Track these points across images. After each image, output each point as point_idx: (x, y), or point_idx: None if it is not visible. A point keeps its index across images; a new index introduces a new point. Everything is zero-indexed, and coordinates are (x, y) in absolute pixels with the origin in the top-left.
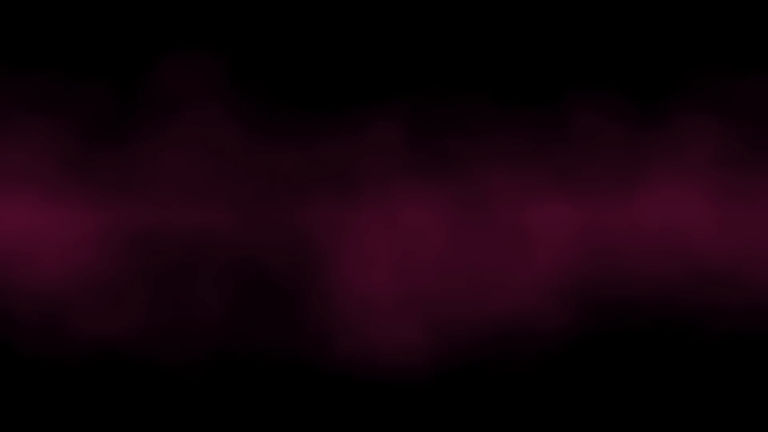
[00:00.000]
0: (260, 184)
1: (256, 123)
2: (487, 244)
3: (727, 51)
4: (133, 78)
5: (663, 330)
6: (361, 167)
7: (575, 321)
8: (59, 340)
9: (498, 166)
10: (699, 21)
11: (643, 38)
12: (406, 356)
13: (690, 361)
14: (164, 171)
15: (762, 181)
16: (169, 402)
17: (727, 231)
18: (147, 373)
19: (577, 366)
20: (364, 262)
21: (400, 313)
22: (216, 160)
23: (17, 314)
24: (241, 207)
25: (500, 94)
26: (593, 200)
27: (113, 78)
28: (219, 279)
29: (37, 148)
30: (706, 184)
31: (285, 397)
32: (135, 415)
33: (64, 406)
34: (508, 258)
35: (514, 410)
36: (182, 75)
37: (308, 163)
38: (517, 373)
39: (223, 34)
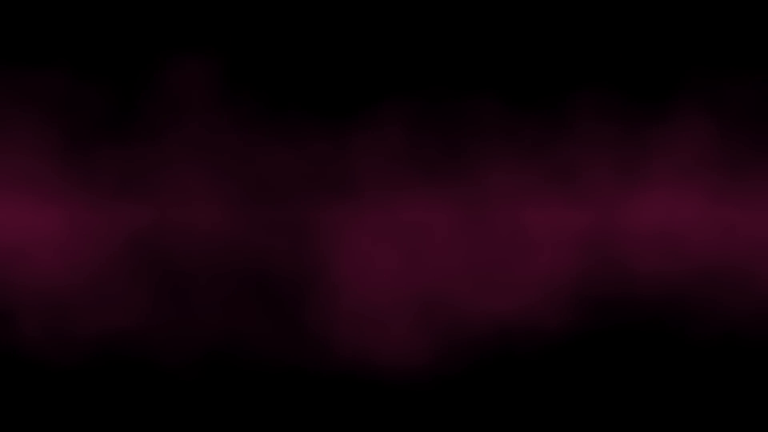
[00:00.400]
0: (260, 184)
1: (256, 123)
2: (487, 244)
3: (727, 51)
4: (133, 78)
5: (663, 330)
6: (361, 167)
7: (575, 321)
8: (58, 339)
9: (498, 166)
10: (699, 21)
11: (643, 38)
12: (406, 356)
13: (689, 361)
14: (164, 171)
15: (762, 181)
16: (169, 402)
17: (727, 231)
18: (146, 373)
19: (577, 366)
20: (364, 263)
21: (401, 314)
22: (216, 160)
23: (17, 314)
24: (241, 207)
25: (500, 94)
26: (593, 200)
27: (113, 78)
28: (219, 279)
29: (37, 148)
30: (706, 184)
31: (285, 397)
32: (134, 415)
33: (63, 405)
34: (509, 258)
35: (515, 410)
36: (183, 75)
37: (308, 164)
38: (517, 373)
39: (223, 33)
